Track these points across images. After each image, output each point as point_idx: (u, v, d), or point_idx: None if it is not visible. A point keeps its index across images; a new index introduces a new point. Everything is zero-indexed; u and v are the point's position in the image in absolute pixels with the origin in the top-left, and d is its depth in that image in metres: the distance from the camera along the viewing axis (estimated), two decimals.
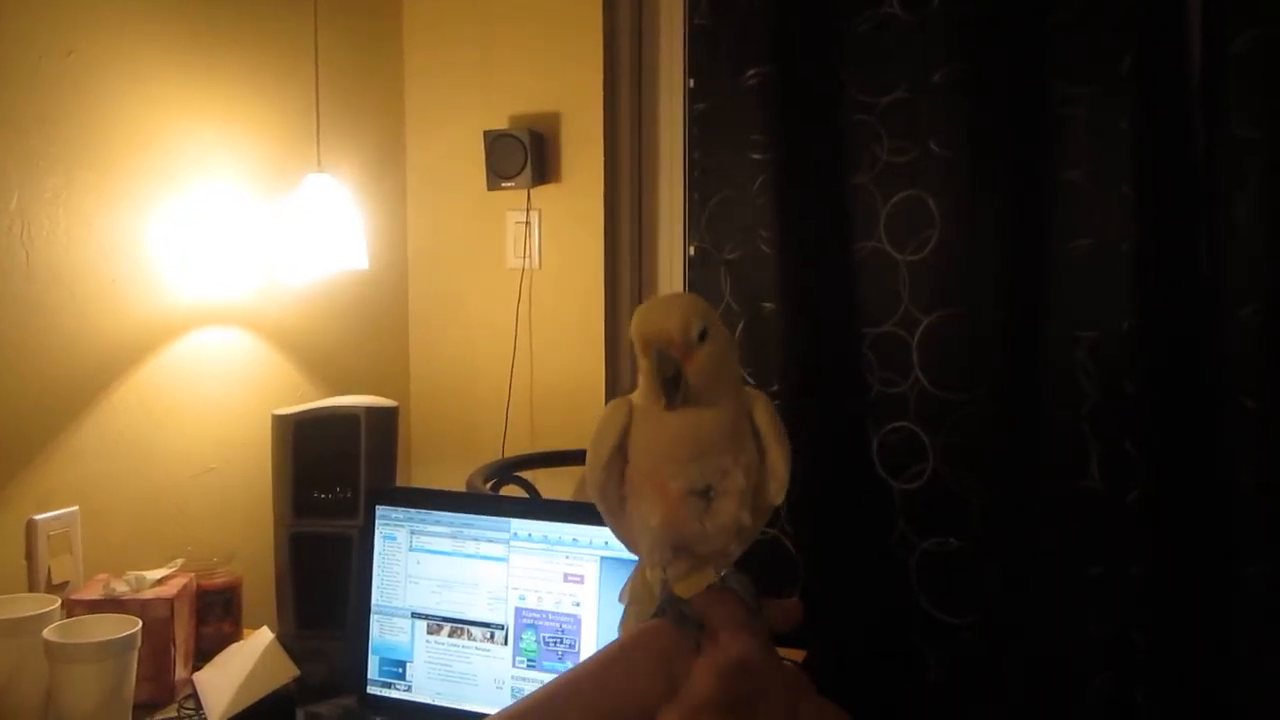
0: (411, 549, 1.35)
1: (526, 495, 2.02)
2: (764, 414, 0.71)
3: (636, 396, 0.72)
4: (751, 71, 1.93)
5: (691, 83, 2.16)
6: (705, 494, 0.69)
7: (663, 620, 0.68)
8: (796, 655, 1.65)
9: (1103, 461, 1.73)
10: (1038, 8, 1.77)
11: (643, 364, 0.69)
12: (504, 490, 1.99)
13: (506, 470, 2.02)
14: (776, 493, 0.73)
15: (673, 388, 0.67)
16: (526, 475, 2.06)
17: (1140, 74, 1.67)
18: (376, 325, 2.31)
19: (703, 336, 0.68)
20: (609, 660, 0.66)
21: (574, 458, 2.17)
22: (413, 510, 1.35)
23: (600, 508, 0.74)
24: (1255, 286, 1.62)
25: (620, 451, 0.71)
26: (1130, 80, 1.68)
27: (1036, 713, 1.80)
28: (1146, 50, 1.67)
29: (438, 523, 1.34)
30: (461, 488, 1.89)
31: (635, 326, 0.69)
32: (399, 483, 2.11)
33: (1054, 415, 1.79)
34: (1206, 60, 1.68)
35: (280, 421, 1.46)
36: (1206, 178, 1.68)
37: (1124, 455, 1.70)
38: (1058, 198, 1.78)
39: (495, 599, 1.30)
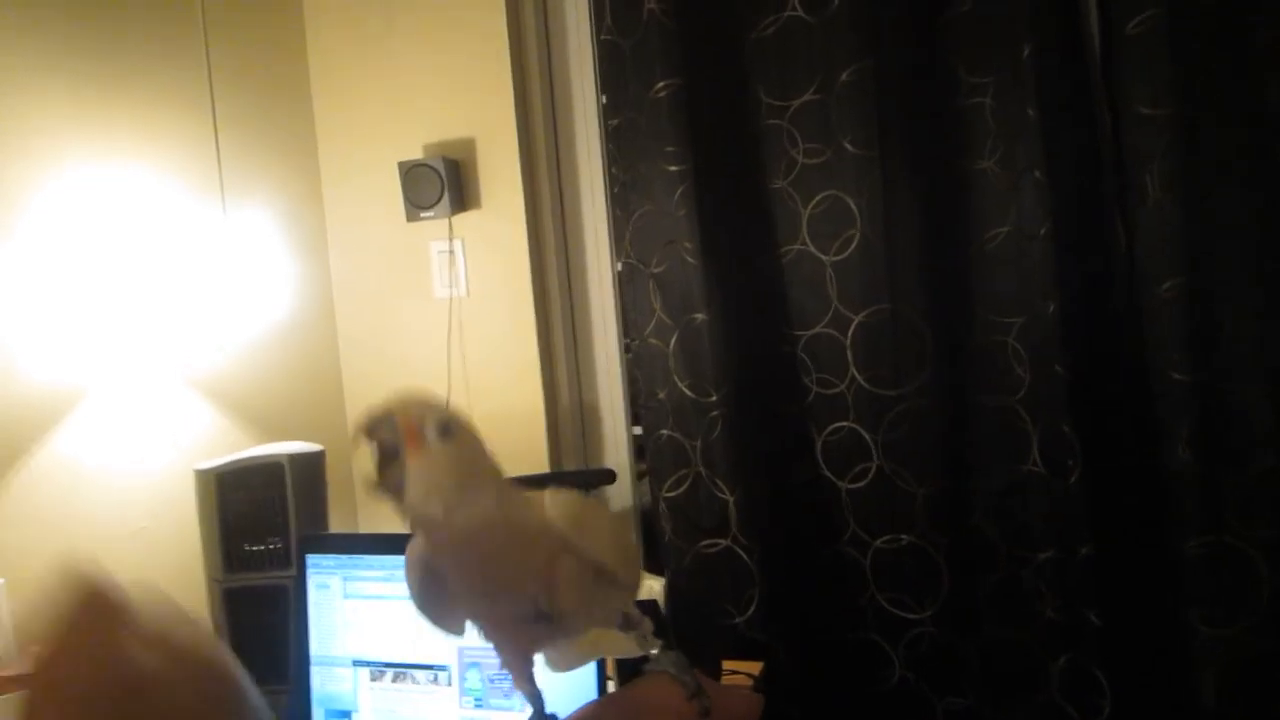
0: (346, 596, 1.32)
1: None
2: (558, 511, 0.62)
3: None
4: (660, 84, 1.93)
5: (604, 98, 2.15)
6: (545, 616, 0.63)
7: None
8: (753, 668, 1.64)
9: (1042, 445, 1.75)
10: (936, 2, 1.79)
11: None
12: None
13: None
14: (631, 588, 0.67)
15: (384, 465, 0.58)
16: None
17: (1040, 60, 1.69)
18: (307, 367, 2.27)
19: (444, 432, 0.59)
20: None
21: (520, 483, 2.14)
22: (343, 556, 1.32)
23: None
24: (1172, 262, 1.64)
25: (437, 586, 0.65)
26: (1032, 67, 1.69)
27: (1001, 699, 1.81)
28: (1045, 36, 1.69)
29: (369, 567, 1.31)
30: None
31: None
32: (344, 527, 2.07)
33: (990, 403, 1.81)
34: (1104, 42, 1.70)
35: (202, 476, 1.43)
36: (1115, 158, 1.70)
37: (1062, 437, 1.71)
38: (973, 188, 1.80)
39: (436, 641, 1.28)
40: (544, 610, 0.62)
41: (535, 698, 0.66)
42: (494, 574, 0.61)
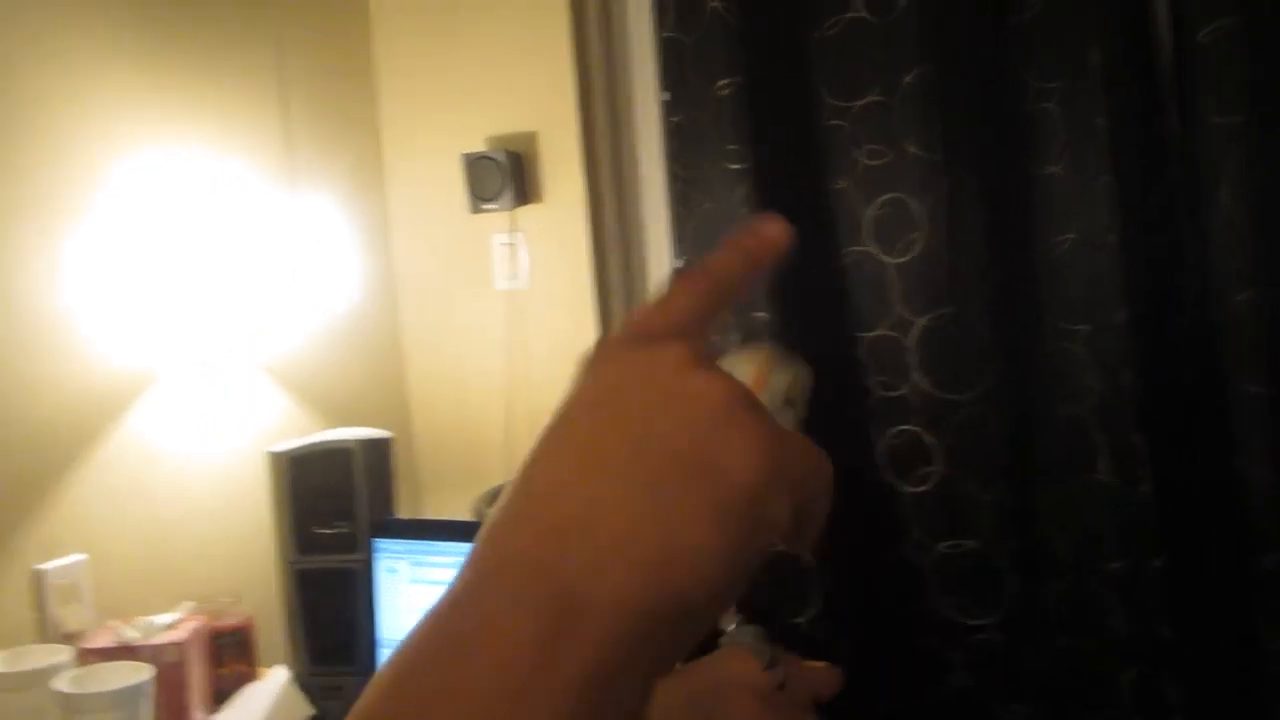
0: (414, 581, 1.36)
1: None
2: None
3: None
4: (723, 82, 1.93)
5: (666, 95, 2.17)
6: None
7: None
8: (816, 667, 1.66)
9: (1112, 455, 1.73)
10: (1002, 5, 1.78)
11: None
12: None
13: None
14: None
15: None
16: None
17: (1110, 67, 1.68)
18: (372, 354, 2.32)
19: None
20: None
21: None
22: (412, 541, 1.36)
23: None
24: (1249, 271, 1.62)
25: None
26: (1100, 74, 1.69)
27: (1065, 709, 1.80)
28: (1114, 42, 1.69)
29: (438, 553, 1.35)
30: (470, 514, 1.90)
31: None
32: (407, 513, 2.11)
33: (1057, 411, 1.79)
34: (1176, 49, 1.69)
35: (275, 459, 1.47)
36: (1186, 167, 1.69)
37: (1132, 447, 1.69)
38: (1039, 193, 1.79)
39: None
40: None
41: None
42: None
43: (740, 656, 0.66)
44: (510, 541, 0.37)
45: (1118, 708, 1.75)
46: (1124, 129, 1.69)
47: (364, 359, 2.29)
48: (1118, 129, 1.68)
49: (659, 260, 2.27)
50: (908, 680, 1.88)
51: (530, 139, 2.27)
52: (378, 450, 1.54)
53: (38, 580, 1.50)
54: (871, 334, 1.90)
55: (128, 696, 1.27)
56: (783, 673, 0.65)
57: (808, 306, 1.93)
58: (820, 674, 0.68)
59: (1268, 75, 1.60)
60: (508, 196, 2.22)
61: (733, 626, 0.70)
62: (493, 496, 1.91)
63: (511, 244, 2.28)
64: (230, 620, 1.53)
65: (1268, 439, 1.62)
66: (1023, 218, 1.80)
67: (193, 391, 1.81)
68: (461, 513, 1.86)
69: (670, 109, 2.07)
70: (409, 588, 1.36)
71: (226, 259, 1.88)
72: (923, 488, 1.88)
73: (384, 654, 1.36)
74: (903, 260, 1.87)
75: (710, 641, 0.70)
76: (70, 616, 1.52)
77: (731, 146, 1.94)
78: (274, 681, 1.44)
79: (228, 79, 1.95)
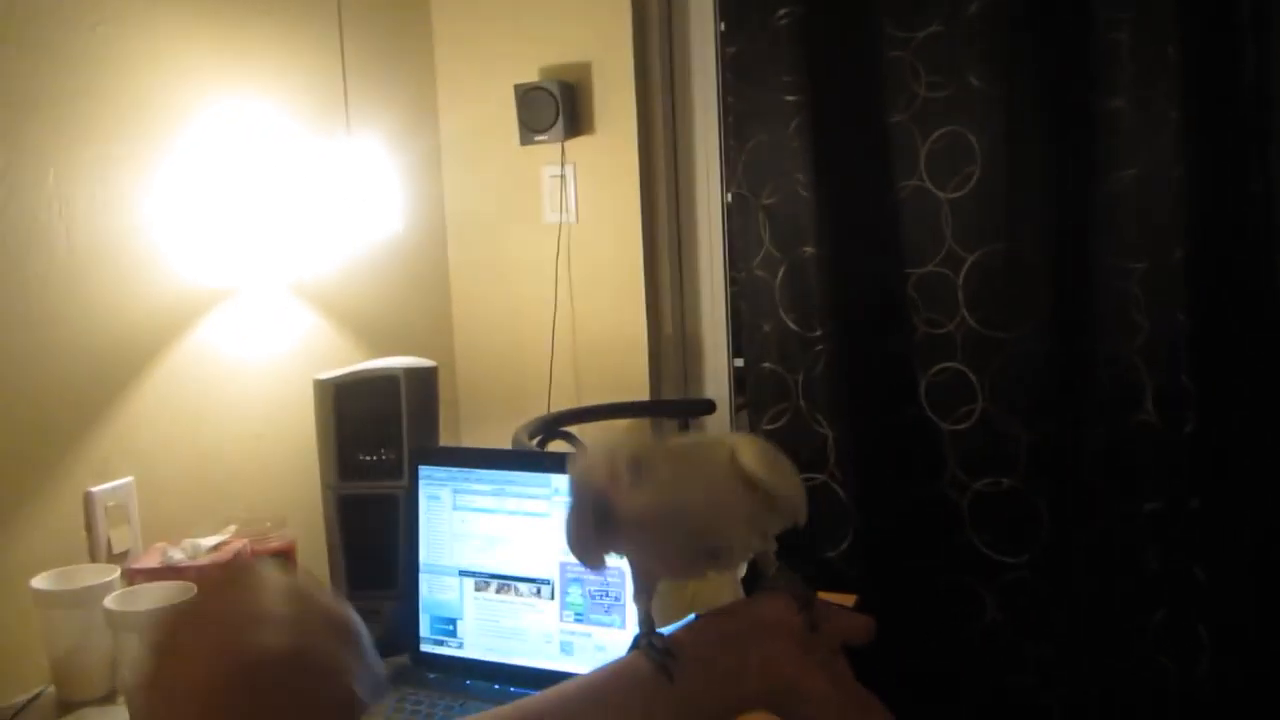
0: (455, 508, 1.36)
1: (573, 450, 2.02)
2: (754, 461, 0.65)
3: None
4: (782, 11, 1.89)
5: (722, 26, 2.12)
6: (713, 553, 0.67)
7: (637, 655, 0.65)
8: (848, 600, 1.65)
9: (1157, 396, 1.70)
10: None
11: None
12: (550, 446, 2.00)
13: (551, 426, 2.02)
14: (798, 520, 0.70)
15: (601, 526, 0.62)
16: (573, 430, 2.07)
17: None
18: (418, 286, 2.32)
19: (634, 471, 0.62)
20: (581, 695, 0.64)
21: (619, 411, 2.17)
22: (455, 469, 1.36)
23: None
24: None
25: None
26: (1175, 2, 1.62)
27: (1094, 647, 1.79)
28: None
29: (480, 481, 1.35)
30: (509, 445, 1.90)
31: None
32: (447, 442, 2.13)
33: (1106, 350, 1.76)
34: None
35: (321, 386, 1.48)
36: (1258, 102, 1.62)
37: (1179, 388, 1.66)
38: (1103, 127, 1.74)
39: (540, 555, 1.31)
40: (716, 547, 0.66)
41: (649, 613, 0.69)
42: (697, 521, 0.64)
43: (777, 599, 0.68)
44: None
45: (1145, 646, 1.73)
46: (1196, 61, 1.62)
47: (412, 290, 2.29)
48: (1189, 61, 1.62)
49: (708, 193, 2.24)
50: (939, 616, 1.88)
51: (584, 69, 2.24)
52: (423, 379, 1.54)
53: (88, 502, 1.52)
54: (922, 270, 1.87)
55: None
56: (816, 615, 0.67)
57: (858, 241, 1.90)
58: (854, 620, 0.70)
59: None
60: (559, 128, 2.19)
61: (773, 571, 0.71)
62: (533, 428, 1.92)
63: (561, 176, 2.26)
64: (273, 543, 1.54)
65: None
66: (1084, 152, 1.74)
67: (242, 319, 1.82)
68: (503, 443, 1.87)
69: (726, 39, 2.04)
70: (450, 514, 1.37)
71: (282, 190, 1.88)
72: (964, 425, 1.86)
73: (424, 579, 1.37)
74: (957, 195, 1.83)
75: (753, 583, 0.71)
76: (119, 538, 1.55)
77: (787, 77, 1.91)
78: None
79: (290, 18, 1.94)
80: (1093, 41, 1.73)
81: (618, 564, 0.68)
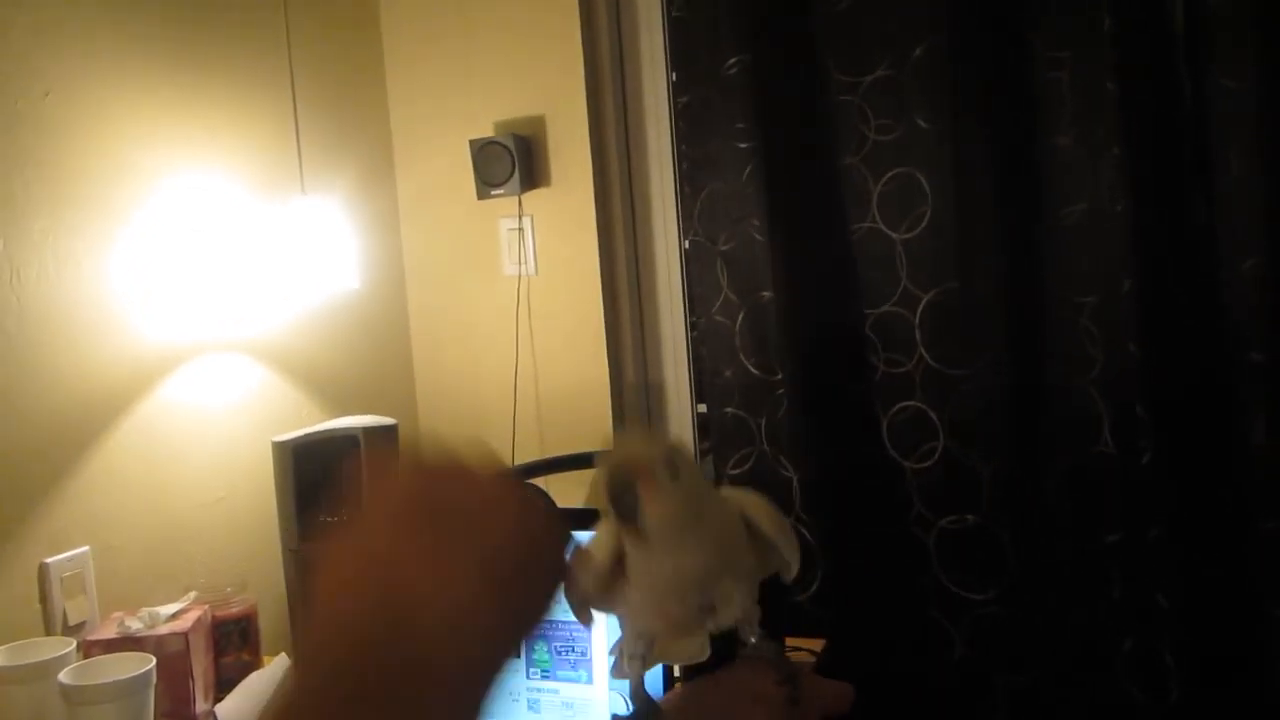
0: None
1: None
2: (766, 518, 0.66)
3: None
4: (731, 60, 1.92)
5: (674, 75, 2.15)
6: (709, 608, 0.67)
7: None
8: (815, 645, 1.65)
9: (1114, 426, 1.72)
10: None
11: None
12: None
13: (518, 477, 2.01)
14: (792, 572, 0.71)
15: (629, 514, 0.60)
16: (538, 482, 2.06)
17: (1121, 32, 1.66)
18: (378, 342, 2.31)
19: (674, 474, 0.61)
20: None
21: (584, 461, 2.15)
22: None
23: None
24: (1255, 239, 1.61)
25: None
26: (1112, 39, 1.66)
27: (1064, 679, 1.79)
28: (1125, 8, 1.65)
29: None
30: None
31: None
32: None
33: (1061, 383, 1.78)
34: (1187, 13, 1.66)
35: (279, 448, 1.47)
36: (1197, 132, 1.66)
37: (1135, 418, 1.68)
38: (1048, 164, 1.77)
39: None
40: (713, 602, 0.65)
41: (641, 677, 0.68)
42: (697, 575, 0.64)
43: (757, 669, 0.68)
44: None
45: (1115, 677, 1.74)
46: (1134, 96, 1.66)
47: (373, 346, 2.28)
48: (1128, 96, 1.66)
49: (666, 241, 2.25)
50: (909, 654, 1.87)
51: (538, 122, 2.25)
52: (383, 437, 1.53)
53: (43, 573, 1.50)
54: (879, 310, 1.89)
55: (129, 687, 1.27)
56: (797, 688, 0.67)
57: (815, 284, 1.92)
58: (833, 689, 0.69)
59: (1278, 39, 1.57)
60: (515, 181, 2.20)
61: (753, 640, 0.70)
62: None
63: (519, 229, 2.26)
64: (234, 608, 1.53)
65: (1269, 406, 1.60)
66: (1031, 189, 1.78)
67: (199, 382, 1.81)
68: None
69: (678, 89, 2.06)
70: None
71: (237, 253, 1.88)
72: (926, 463, 1.86)
73: None
74: (910, 235, 1.85)
75: (731, 654, 0.71)
76: (75, 609, 1.52)
77: (740, 125, 1.93)
78: (277, 668, 1.44)
79: (243, 77, 1.95)
80: (1035, 80, 1.77)
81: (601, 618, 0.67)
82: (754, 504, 0.67)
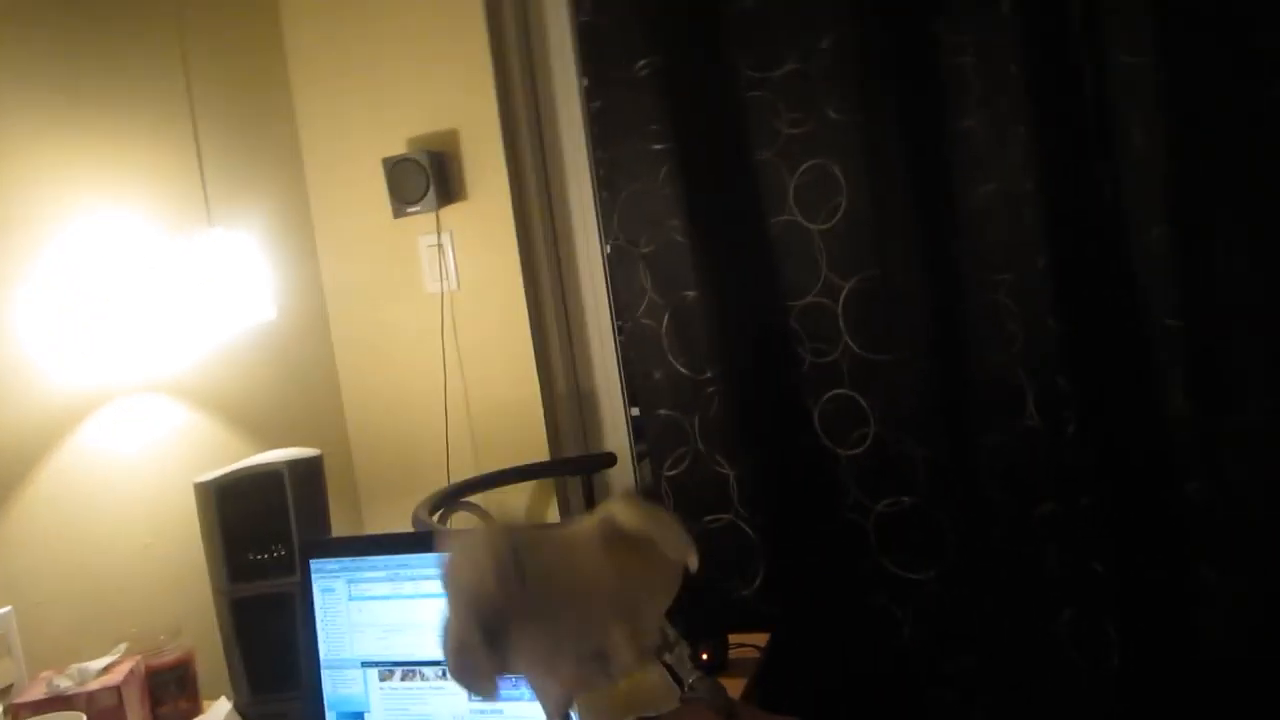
0: (351, 599, 1.32)
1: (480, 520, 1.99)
2: (627, 515, 0.65)
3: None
4: (641, 63, 1.92)
5: (585, 80, 2.14)
6: (600, 657, 0.64)
7: None
8: (760, 639, 1.65)
9: (1038, 400, 1.74)
10: None
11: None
12: (453, 517, 1.97)
13: (451, 499, 1.99)
14: (691, 562, 0.69)
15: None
16: (474, 499, 2.04)
17: (1021, 14, 1.68)
18: (303, 371, 2.27)
19: (519, 570, 0.60)
20: None
21: (520, 474, 2.15)
22: (346, 559, 1.32)
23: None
24: (1159, 209, 1.63)
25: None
26: (1013, 22, 1.68)
27: (1010, 653, 1.81)
28: None
29: (373, 568, 1.31)
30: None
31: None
32: (349, 528, 2.08)
33: (985, 360, 1.80)
34: None
35: (202, 489, 1.44)
36: (1099, 107, 1.69)
37: (1057, 390, 1.71)
38: (958, 147, 1.79)
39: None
40: (602, 649, 0.64)
41: None
42: (570, 614, 0.63)
43: (699, 711, 0.67)
44: None
45: (1057, 647, 1.76)
46: (1037, 76, 1.68)
47: (297, 376, 2.24)
48: (1031, 76, 1.68)
49: (587, 247, 2.24)
50: (857, 640, 1.89)
51: (451, 136, 2.23)
52: (308, 469, 1.51)
53: None
54: (802, 301, 1.90)
55: None
56: None
57: (738, 280, 1.92)
58: None
59: (1176, 11, 1.60)
60: (431, 198, 2.18)
61: (692, 680, 0.69)
62: (433, 503, 1.89)
63: (439, 245, 2.24)
64: (169, 657, 1.48)
65: (1186, 369, 1.64)
66: (943, 173, 1.79)
67: (116, 426, 1.76)
68: (406, 523, 1.83)
69: (590, 94, 2.05)
70: (347, 605, 1.33)
71: (144, 290, 1.82)
72: (859, 449, 1.88)
73: (326, 676, 1.33)
74: (827, 226, 1.86)
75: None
76: (0, 671, 1.47)
77: (653, 127, 1.93)
78: (217, 715, 1.41)
79: (139, 115, 1.89)
80: (940, 66, 1.79)
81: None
82: (619, 509, 0.66)
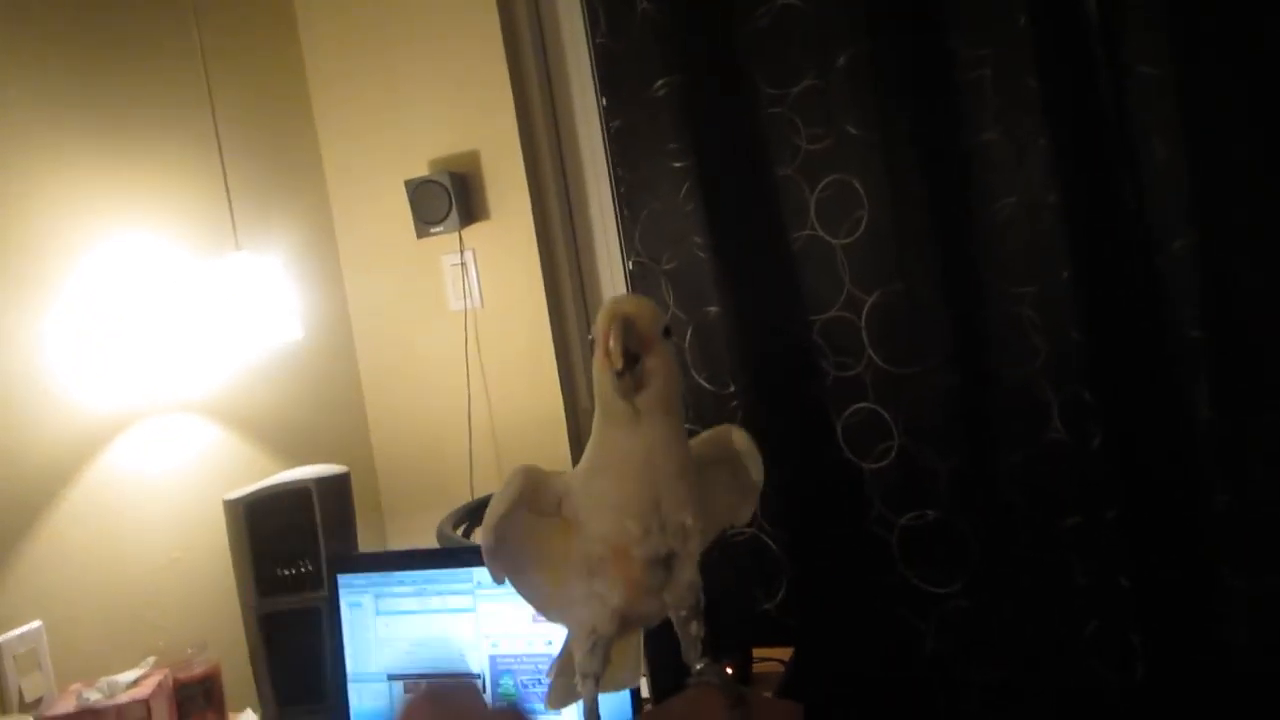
0: (379, 613, 1.33)
1: None
2: (745, 441, 0.76)
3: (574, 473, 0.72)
4: (659, 82, 1.93)
5: (604, 101, 2.16)
6: (666, 562, 0.68)
7: None
8: (784, 653, 1.65)
9: (1063, 412, 1.73)
10: None
11: (598, 361, 0.71)
12: (476, 534, 1.97)
13: (475, 513, 2.00)
14: (746, 515, 0.74)
15: (631, 363, 0.68)
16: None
17: (1038, 26, 1.68)
18: (329, 390, 2.29)
19: (666, 333, 0.71)
20: None
21: None
22: (374, 574, 1.34)
23: (494, 569, 0.73)
24: (1181, 219, 1.63)
25: (522, 516, 0.72)
26: (1030, 35, 1.68)
27: (1034, 667, 1.80)
28: (1041, 2, 1.68)
29: (400, 583, 1.32)
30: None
31: (603, 309, 0.71)
32: (374, 544, 2.09)
33: (1009, 373, 1.80)
34: (1100, 2, 1.69)
35: (231, 505, 1.45)
36: (1119, 118, 1.69)
37: (1082, 403, 1.70)
38: (978, 160, 1.79)
39: (468, 650, 1.29)
40: (674, 553, 0.70)
41: (595, 699, 0.69)
42: (660, 469, 0.70)
43: (707, 695, 0.68)
44: None
45: (1083, 659, 1.75)
46: (1056, 89, 1.68)
47: (323, 395, 2.26)
48: (1049, 89, 1.68)
49: (610, 264, 2.25)
50: (880, 654, 1.88)
51: (472, 157, 2.26)
52: (335, 486, 1.52)
53: None
54: (824, 316, 1.90)
55: None
56: (747, 711, 0.67)
57: (760, 295, 1.92)
58: (783, 709, 0.70)
59: (1194, 19, 1.60)
60: (454, 218, 2.20)
61: (700, 665, 0.71)
62: (456, 517, 1.90)
63: (462, 264, 2.26)
64: (196, 670, 1.50)
65: (1211, 381, 1.63)
66: (963, 186, 1.80)
67: (146, 445, 1.78)
68: (431, 538, 1.84)
69: (609, 114, 2.07)
70: (374, 620, 1.34)
71: (174, 313, 1.85)
72: (882, 463, 1.87)
73: (352, 689, 1.33)
74: (849, 240, 1.86)
75: (679, 683, 0.71)
76: (30, 685, 1.49)
77: (672, 145, 1.94)
78: None
79: (166, 142, 1.93)
80: (958, 79, 1.79)
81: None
82: (738, 432, 0.77)
